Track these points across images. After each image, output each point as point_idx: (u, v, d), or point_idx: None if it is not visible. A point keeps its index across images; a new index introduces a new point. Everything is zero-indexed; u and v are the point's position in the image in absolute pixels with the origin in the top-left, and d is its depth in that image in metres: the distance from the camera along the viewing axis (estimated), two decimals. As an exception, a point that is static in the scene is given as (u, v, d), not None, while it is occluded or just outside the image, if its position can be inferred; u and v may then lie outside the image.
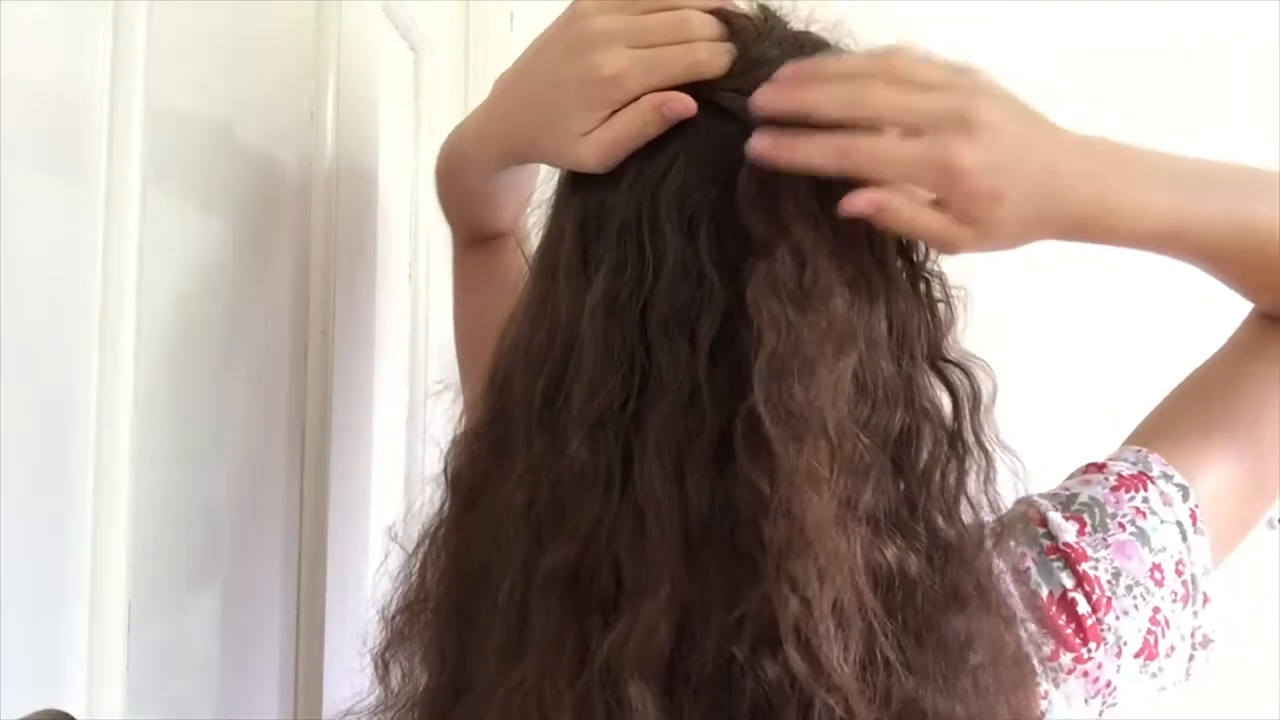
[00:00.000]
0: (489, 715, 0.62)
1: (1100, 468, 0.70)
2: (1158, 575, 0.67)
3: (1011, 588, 0.66)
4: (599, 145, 0.65)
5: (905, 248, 0.66)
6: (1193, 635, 0.68)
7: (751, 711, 0.58)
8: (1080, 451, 0.74)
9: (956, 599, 0.62)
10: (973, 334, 0.67)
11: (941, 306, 0.66)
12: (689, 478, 0.60)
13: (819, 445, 0.59)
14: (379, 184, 1.08)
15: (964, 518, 0.64)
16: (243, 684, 0.84)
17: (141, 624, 0.67)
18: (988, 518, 0.65)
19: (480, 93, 0.84)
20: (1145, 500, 0.68)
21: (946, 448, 0.64)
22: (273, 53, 0.89)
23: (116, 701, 0.66)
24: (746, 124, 0.62)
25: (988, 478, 0.65)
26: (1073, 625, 0.65)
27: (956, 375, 0.65)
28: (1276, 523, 1.14)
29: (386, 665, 0.71)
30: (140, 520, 0.67)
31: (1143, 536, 0.67)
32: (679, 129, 0.64)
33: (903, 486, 0.63)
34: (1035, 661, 0.65)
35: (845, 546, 0.59)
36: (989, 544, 0.65)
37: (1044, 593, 0.66)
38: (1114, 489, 0.69)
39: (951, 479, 0.64)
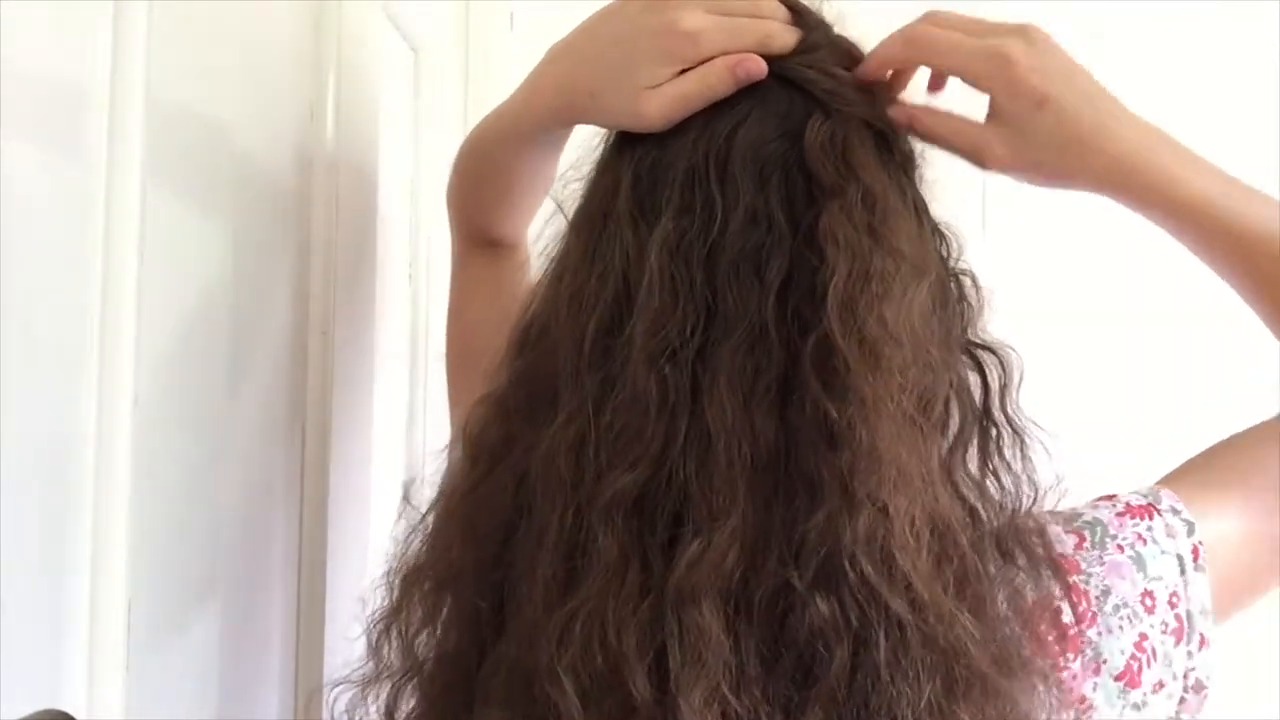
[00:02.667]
0: (539, 649, 0.62)
1: (1111, 497, 0.71)
2: (1148, 602, 0.67)
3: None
4: (666, 99, 0.68)
5: (938, 232, 0.70)
6: (1185, 677, 0.67)
7: (807, 643, 0.60)
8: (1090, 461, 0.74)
9: (1001, 552, 0.64)
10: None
11: (971, 295, 0.69)
12: (755, 411, 0.62)
13: (891, 368, 0.62)
14: (379, 184, 1.08)
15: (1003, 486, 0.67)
16: (243, 685, 0.84)
17: (141, 624, 0.67)
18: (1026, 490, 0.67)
19: (480, 93, 0.85)
20: (1149, 529, 0.69)
21: (975, 420, 0.67)
22: (273, 53, 0.89)
23: (116, 701, 0.66)
24: (813, 95, 0.68)
25: (1023, 454, 0.67)
26: (1054, 633, 0.65)
27: (986, 356, 0.68)
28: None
29: (388, 633, 0.71)
30: (140, 520, 0.67)
31: (1139, 561, 0.67)
32: (747, 91, 0.67)
33: (949, 439, 0.66)
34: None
35: (916, 463, 0.62)
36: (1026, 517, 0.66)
37: (1029, 597, 0.66)
38: (1119, 514, 0.70)
39: (989, 447, 0.67)
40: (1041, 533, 0.66)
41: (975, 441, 0.66)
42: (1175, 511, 0.69)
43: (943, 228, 0.71)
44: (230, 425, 0.82)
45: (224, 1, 0.79)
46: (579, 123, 0.76)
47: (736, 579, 0.61)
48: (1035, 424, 0.68)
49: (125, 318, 0.66)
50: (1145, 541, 0.68)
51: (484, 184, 0.90)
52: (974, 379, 0.67)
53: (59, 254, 0.63)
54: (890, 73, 0.72)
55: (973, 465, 0.66)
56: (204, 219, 0.79)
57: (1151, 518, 0.69)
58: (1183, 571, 0.68)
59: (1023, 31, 0.69)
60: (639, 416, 0.63)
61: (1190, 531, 0.69)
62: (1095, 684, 0.66)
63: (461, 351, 0.96)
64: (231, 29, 0.81)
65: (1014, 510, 0.66)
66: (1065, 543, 0.68)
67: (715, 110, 0.67)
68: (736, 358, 0.63)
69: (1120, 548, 0.68)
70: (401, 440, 1.21)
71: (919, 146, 0.72)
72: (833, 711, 0.60)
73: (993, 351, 0.68)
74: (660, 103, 0.68)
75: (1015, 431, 0.67)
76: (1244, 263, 0.72)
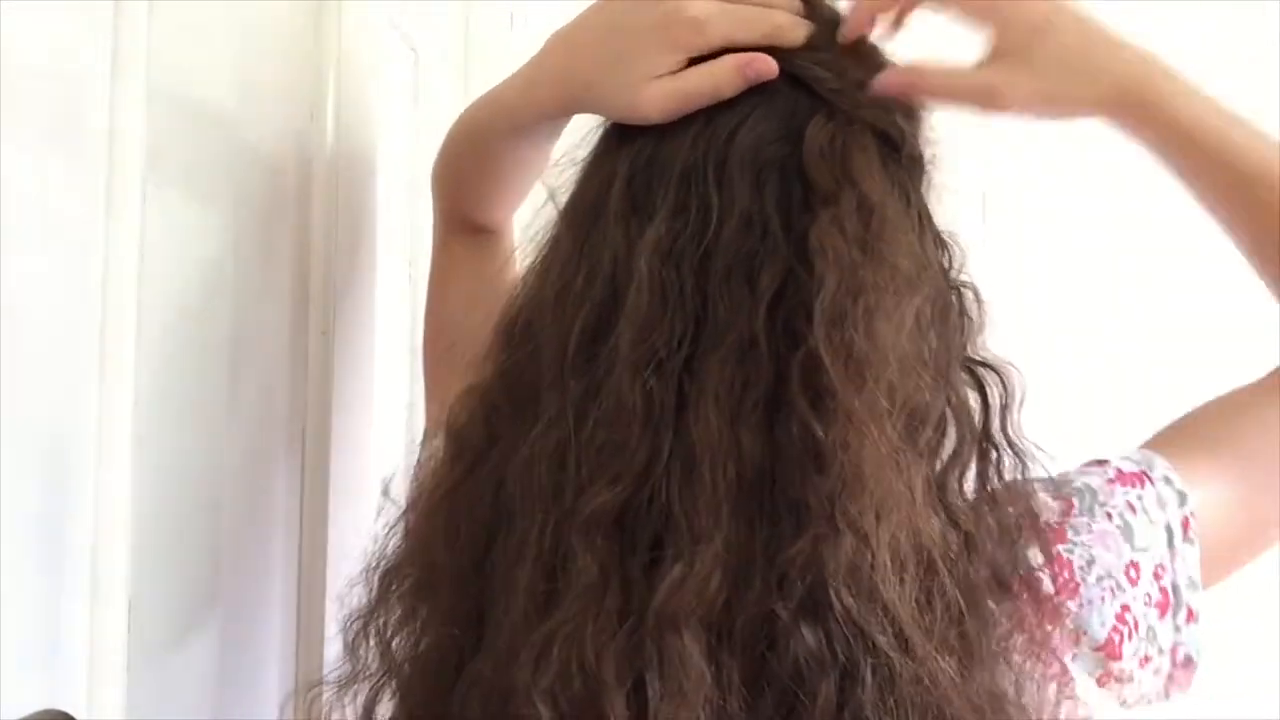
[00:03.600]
0: (516, 669, 0.60)
1: (1103, 462, 0.70)
2: (1133, 574, 0.65)
3: None
4: (667, 93, 0.65)
5: (941, 243, 0.68)
6: (1173, 651, 0.66)
7: (792, 674, 0.58)
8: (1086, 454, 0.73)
9: (996, 581, 0.62)
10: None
11: (973, 309, 0.67)
12: (742, 429, 0.60)
13: (878, 387, 0.59)
14: (379, 184, 1.08)
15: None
16: (243, 685, 0.84)
17: (141, 624, 0.67)
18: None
19: (480, 93, 0.84)
20: (1140, 497, 0.67)
21: (974, 441, 0.64)
22: (273, 53, 0.89)
23: (116, 701, 0.66)
24: (819, 95, 0.65)
25: (1024, 477, 0.65)
26: (1032, 603, 0.63)
27: (987, 374, 0.66)
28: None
29: (365, 633, 0.69)
30: (140, 520, 0.67)
31: (1127, 531, 0.66)
32: (754, 89, 0.65)
33: (943, 461, 0.63)
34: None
35: (903, 489, 0.59)
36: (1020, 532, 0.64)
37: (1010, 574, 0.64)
38: (1111, 481, 0.68)
39: (984, 469, 0.65)
40: (1028, 505, 0.64)
41: (974, 464, 0.64)
42: (1168, 481, 0.68)
43: (945, 237, 0.68)
44: (230, 425, 0.82)
45: (224, 1, 0.79)
46: (578, 113, 0.74)
47: (719, 606, 0.58)
48: (1037, 446, 0.66)
49: (125, 318, 0.66)
50: (1135, 511, 0.67)
51: (475, 171, 0.87)
52: (973, 397, 0.65)
53: (59, 254, 0.63)
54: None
55: (970, 488, 0.64)
56: (204, 219, 0.79)
57: (1143, 485, 0.67)
58: (1171, 543, 0.66)
59: None
60: (622, 430, 0.60)
61: (1182, 502, 0.67)
62: (1074, 654, 0.65)
63: (439, 339, 0.93)
64: (231, 29, 0.81)
65: (1014, 539, 0.63)
66: (1053, 509, 0.66)
67: (717, 107, 0.65)
68: (725, 370, 0.60)
69: (1109, 515, 0.66)
70: (401, 440, 1.21)
71: (931, 150, 0.70)
72: None
73: (994, 369, 0.66)
74: (661, 96, 0.66)
75: (1016, 454, 0.65)
76: (1238, 186, 0.71)
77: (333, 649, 0.92)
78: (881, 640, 0.57)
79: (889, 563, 0.58)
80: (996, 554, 0.62)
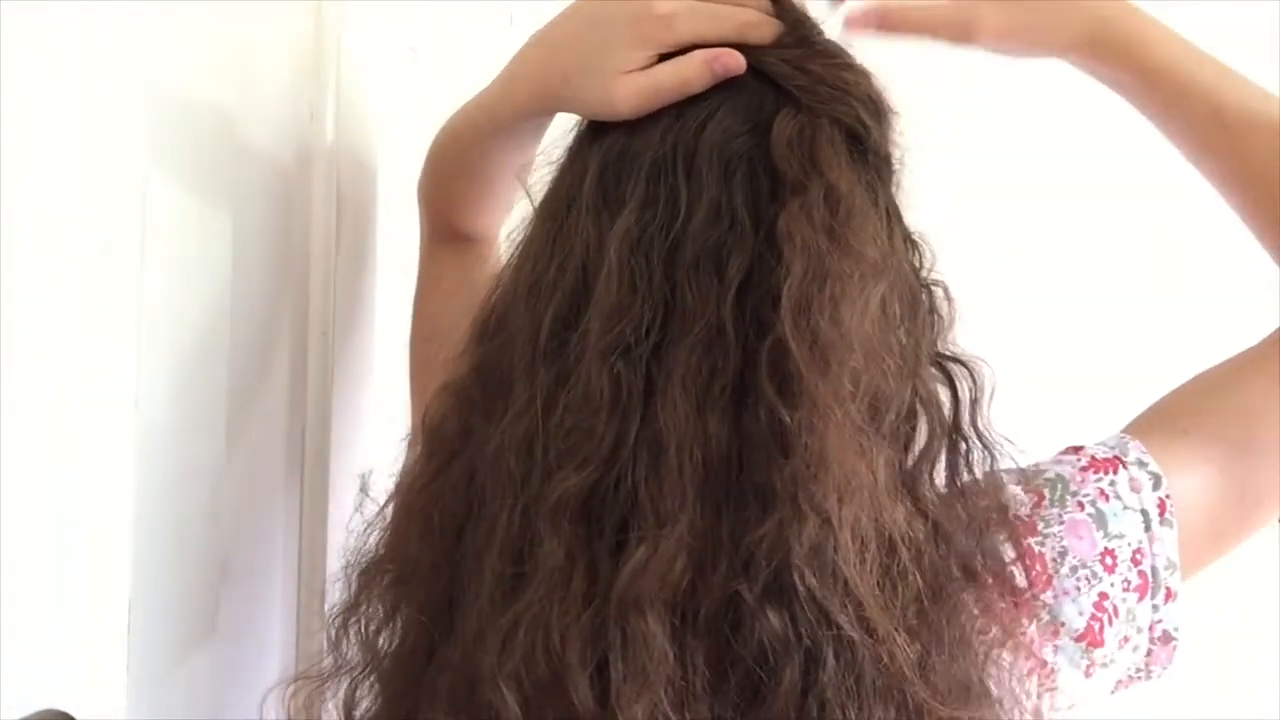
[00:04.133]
0: (483, 653, 0.60)
1: (1077, 450, 0.70)
2: (1109, 561, 0.66)
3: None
4: (637, 88, 0.66)
5: (910, 242, 0.68)
6: (1151, 629, 0.66)
7: (756, 660, 0.58)
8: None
9: (964, 570, 0.62)
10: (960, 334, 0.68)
11: (943, 306, 0.67)
12: (709, 415, 0.60)
13: (842, 371, 0.60)
14: (379, 184, 1.08)
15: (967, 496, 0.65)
16: (243, 685, 0.84)
17: (141, 624, 0.67)
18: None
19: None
20: (1112, 483, 0.67)
21: (944, 435, 0.65)
22: (273, 53, 0.89)
23: (116, 701, 0.66)
24: (786, 90, 0.66)
25: (993, 469, 0.66)
26: (1004, 597, 0.64)
27: (956, 369, 0.66)
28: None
29: (346, 627, 0.70)
30: (140, 520, 0.67)
31: (1100, 519, 0.66)
32: (722, 85, 0.66)
33: (914, 453, 0.64)
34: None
35: (865, 471, 0.60)
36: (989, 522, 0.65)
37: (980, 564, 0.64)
38: (1083, 469, 0.68)
39: (954, 462, 0.65)
40: (998, 498, 0.65)
41: (944, 456, 0.64)
42: (1142, 464, 0.68)
43: (915, 237, 0.68)
44: (230, 425, 0.82)
45: (224, 2, 0.79)
46: (555, 110, 0.75)
47: (683, 589, 0.59)
48: (1007, 439, 0.66)
49: (126, 318, 0.66)
50: (1108, 498, 0.67)
51: (457, 178, 0.88)
52: (944, 392, 0.65)
53: (60, 254, 0.63)
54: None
55: (940, 480, 0.64)
56: (204, 219, 0.79)
57: (1116, 471, 0.67)
58: (1148, 527, 0.66)
59: None
60: (590, 415, 0.61)
61: (1157, 485, 0.67)
62: (1055, 647, 0.65)
63: (425, 348, 0.93)
64: (231, 29, 0.81)
65: (982, 529, 0.64)
66: (1024, 503, 0.66)
67: (687, 101, 0.66)
68: (692, 358, 0.61)
69: (1080, 505, 0.66)
70: (402, 439, 1.21)
71: (899, 152, 0.70)
72: None
73: (963, 364, 0.66)
74: (632, 91, 0.66)
75: (985, 447, 0.65)
76: (1218, 125, 0.72)
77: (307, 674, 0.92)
78: (843, 620, 0.57)
79: (850, 543, 0.58)
80: (965, 544, 0.63)
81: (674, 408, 0.60)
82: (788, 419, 0.59)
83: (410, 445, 0.81)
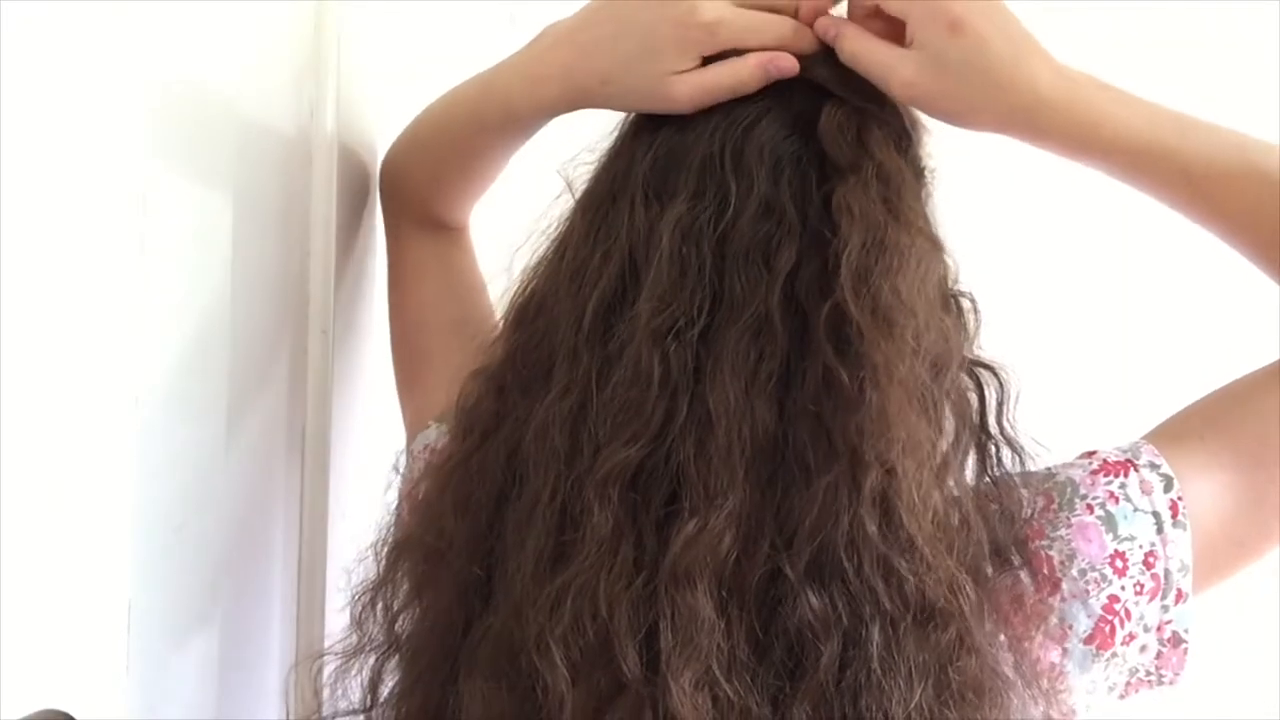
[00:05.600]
0: (527, 621, 0.62)
1: (1090, 454, 0.70)
2: (1119, 564, 0.66)
3: None
4: (695, 86, 0.69)
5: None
6: (1160, 629, 0.66)
7: (797, 633, 0.60)
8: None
9: (998, 557, 0.64)
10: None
11: (969, 314, 0.69)
12: (756, 397, 0.63)
13: (905, 335, 0.63)
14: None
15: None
16: (243, 684, 0.84)
17: (141, 624, 0.67)
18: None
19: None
20: (1122, 486, 0.67)
21: (973, 436, 0.67)
22: (273, 52, 0.89)
23: (116, 701, 0.66)
24: (832, 94, 0.69)
25: (1022, 469, 0.67)
26: (1014, 603, 0.64)
27: (984, 374, 0.68)
28: None
29: (374, 604, 0.71)
30: (140, 520, 0.67)
31: (1109, 522, 0.66)
32: (769, 87, 0.69)
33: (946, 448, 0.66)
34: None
35: (926, 430, 0.63)
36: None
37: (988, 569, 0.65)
38: (1093, 472, 0.68)
39: (985, 462, 0.67)
40: (1008, 500, 0.66)
41: (972, 455, 0.66)
42: (1154, 466, 0.68)
43: (946, 246, 0.70)
44: (230, 425, 0.82)
45: (224, 1, 0.79)
46: (585, 108, 0.76)
47: (730, 563, 0.61)
48: (1035, 440, 0.68)
49: (126, 316, 0.66)
50: (1117, 500, 0.67)
51: (449, 164, 0.90)
52: (972, 397, 0.67)
53: (60, 254, 0.63)
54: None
55: (969, 477, 0.66)
56: (204, 218, 0.79)
57: (1126, 474, 0.67)
58: (1160, 529, 0.66)
59: None
60: (640, 392, 0.63)
61: (1168, 486, 0.67)
62: (1064, 650, 0.65)
63: (406, 341, 0.95)
64: (232, 28, 0.81)
65: (1013, 521, 0.65)
66: (1032, 505, 0.67)
67: (736, 102, 0.69)
68: (741, 343, 0.63)
69: (1090, 507, 0.67)
70: (402, 438, 1.21)
71: (932, 163, 0.72)
72: (821, 707, 0.60)
73: (990, 369, 0.68)
74: (690, 89, 0.69)
75: (1012, 448, 0.67)
76: (1186, 188, 0.69)
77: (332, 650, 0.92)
78: (890, 589, 0.60)
79: (914, 493, 0.61)
80: (1001, 532, 0.65)
81: (723, 389, 0.63)
82: (846, 380, 0.61)
83: (416, 431, 0.84)
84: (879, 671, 0.59)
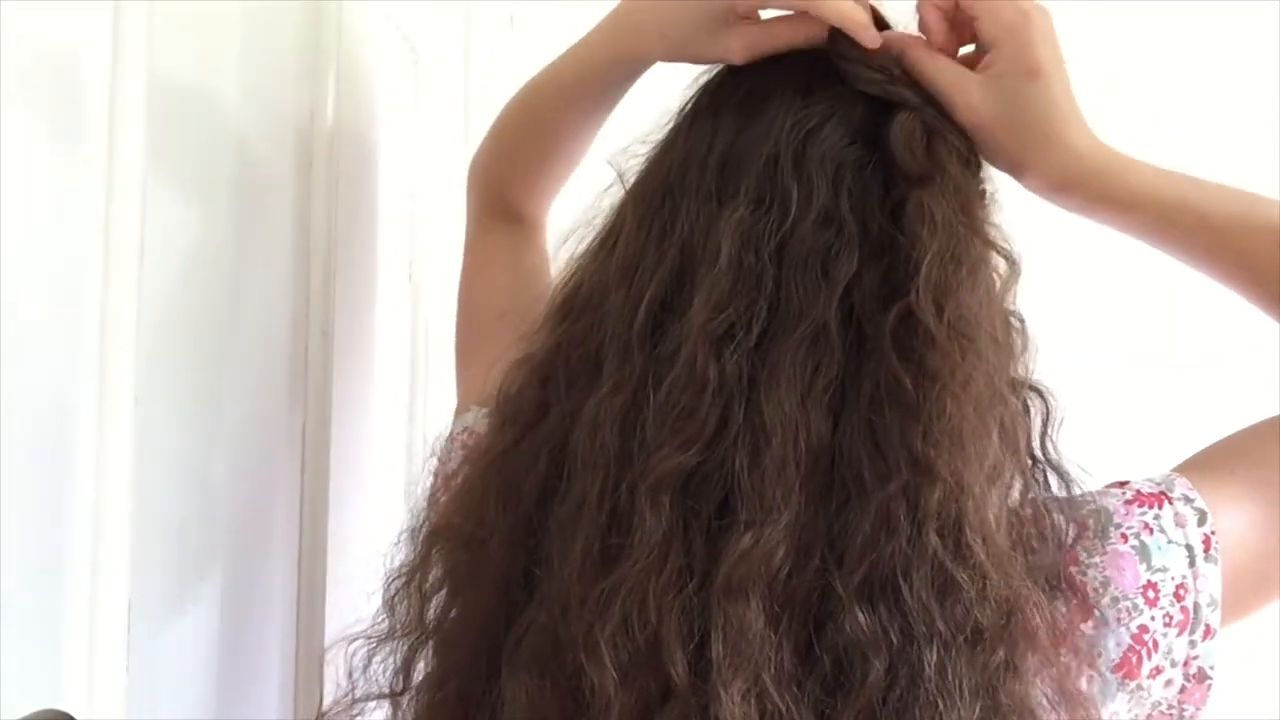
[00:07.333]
0: (575, 620, 0.62)
1: (1123, 484, 0.70)
2: (1151, 594, 0.65)
3: None
4: (750, 39, 0.71)
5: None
6: (1186, 664, 0.66)
7: (845, 649, 0.60)
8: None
9: (1047, 580, 0.64)
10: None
11: (1019, 335, 0.69)
12: (811, 409, 0.62)
13: (979, 350, 0.63)
14: (379, 184, 1.08)
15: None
16: (243, 684, 0.84)
17: (141, 624, 0.67)
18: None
19: (480, 94, 0.85)
20: (1156, 517, 0.67)
21: (1016, 458, 0.66)
22: (273, 52, 0.89)
23: (116, 701, 0.66)
24: (898, 106, 0.68)
25: (1068, 493, 0.67)
26: (1052, 629, 0.64)
27: (1032, 396, 0.67)
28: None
29: (406, 589, 0.71)
30: (140, 520, 0.67)
31: (1143, 552, 0.66)
32: (828, 91, 0.69)
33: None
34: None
35: (994, 448, 0.62)
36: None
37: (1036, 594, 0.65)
38: (1128, 502, 0.68)
39: (1025, 484, 0.66)
40: (1043, 526, 0.65)
41: (1019, 479, 0.66)
42: (1187, 500, 0.67)
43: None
44: (231, 425, 0.82)
45: (224, 2, 0.79)
46: (648, 59, 0.78)
47: (783, 577, 0.60)
48: (1080, 466, 0.67)
49: (125, 317, 0.66)
50: (1152, 531, 0.66)
51: (526, 144, 0.90)
52: (1022, 419, 0.67)
53: (59, 253, 0.63)
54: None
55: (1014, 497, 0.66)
56: (204, 218, 0.79)
57: (1161, 506, 0.67)
58: (1192, 563, 0.66)
59: (1042, 4, 0.70)
60: (694, 397, 0.62)
61: (1202, 520, 0.67)
62: (1090, 677, 0.65)
63: (473, 316, 0.95)
64: (232, 29, 0.81)
65: (1059, 547, 0.65)
66: (1066, 532, 0.66)
67: (801, 101, 0.68)
68: (798, 353, 0.63)
69: (1124, 537, 0.66)
70: (402, 439, 1.21)
71: (991, 187, 0.72)
72: None
73: (1038, 391, 0.67)
74: (742, 42, 0.70)
75: (1058, 473, 0.67)
76: (1205, 232, 0.71)
77: (333, 650, 0.92)
78: (941, 614, 0.60)
79: (982, 512, 0.61)
80: (1051, 555, 0.65)
81: (778, 400, 0.62)
82: (912, 386, 0.61)
83: (459, 415, 0.83)
84: (930, 692, 0.59)
